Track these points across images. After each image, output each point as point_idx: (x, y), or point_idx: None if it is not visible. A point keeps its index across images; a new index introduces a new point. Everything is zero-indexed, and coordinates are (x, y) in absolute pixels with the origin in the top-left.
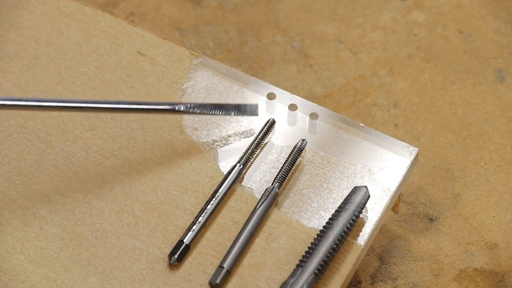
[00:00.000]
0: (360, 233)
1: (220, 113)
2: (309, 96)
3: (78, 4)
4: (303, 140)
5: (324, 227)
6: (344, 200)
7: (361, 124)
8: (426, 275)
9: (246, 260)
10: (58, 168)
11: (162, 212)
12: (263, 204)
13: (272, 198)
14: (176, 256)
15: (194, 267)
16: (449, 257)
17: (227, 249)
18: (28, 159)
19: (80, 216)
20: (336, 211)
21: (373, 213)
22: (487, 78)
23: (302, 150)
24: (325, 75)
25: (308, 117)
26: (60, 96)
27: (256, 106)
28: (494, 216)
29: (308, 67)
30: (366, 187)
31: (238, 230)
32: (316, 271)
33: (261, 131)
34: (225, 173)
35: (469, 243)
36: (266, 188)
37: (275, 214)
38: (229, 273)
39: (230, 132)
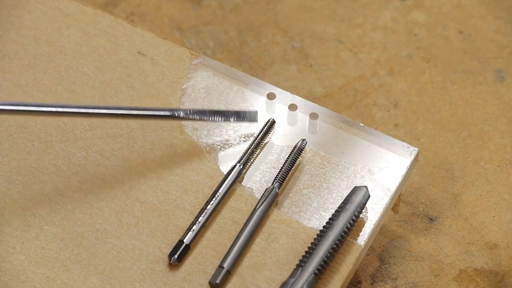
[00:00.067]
0: (360, 233)
1: (220, 119)
2: (309, 96)
3: (78, 4)
4: (303, 140)
5: (324, 227)
6: (344, 200)
7: (361, 124)
8: (426, 275)
9: (246, 260)
10: (58, 168)
11: (162, 212)
12: (263, 204)
13: (272, 198)
14: (176, 256)
15: (194, 267)
16: (449, 257)
17: (227, 249)
18: (28, 159)
19: (80, 216)
20: (336, 211)
21: (373, 213)
22: (487, 78)
23: (302, 150)
24: (325, 75)
25: (308, 117)
26: (60, 96)
27: (255, 113)
28: (494, 216)
29: (308, 67)
30: (366, 187)
31: (238, 230)
32: (316, 271)
33: (261, 131)
34: (225, 173)
35: (469, 243)
36: (266, 188)
37: (275, 214)
38: (229, 273)
39: (230, 132)
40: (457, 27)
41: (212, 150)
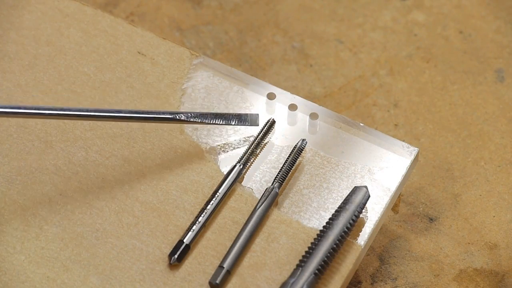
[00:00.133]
0: (360, 233)
1: (221, 122)
2: (309, 96)
3: (78, 4)
4: (303, 140)
5: (324, 227)
6: (344, 200)
7: (361, 124)
8: (426, 275)
9: (246, 260)
10: (58, 168)
11: (162, 212)
12: (263, 204)
13: (272, 198)
14: (176, 256)
15: (194, 267)
16: (449, 257)
17: (227, 249)
18: (28, 159)
19: (80, 216)
20: (336, 211)
21: (373, 213)
22: (487, 78)
23: (302, 150)
24: (325, 75)
25: (308, 117)
26: (60, 96)
27: (256, 116)
28: (494, 216)
29: (308, 67)
30: (366, 187)
31: (238, 230)
32: (316, 271)
33: (261, 131)
34: (225, 173)
35: (469, 243)
36: (266, 188)
37: (275, 214)
38: (229, 273)
39: (230, 132)
40: (457, 27)
41: (212, 150)
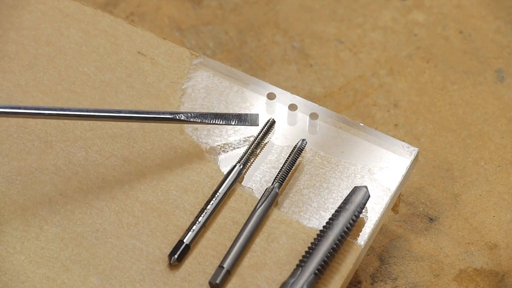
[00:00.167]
0: (360, 233)
1: (221, 122)
2: (309, 96)
3: (78, 4)
4: (303, 140)
5: (324, 227)
6: (344, 200)
7: (361, 124)
8: (426, 275)
9: (246, 260)
10: (58, 168)
11: (162, 212)
12: (263, 204)
13: (272, 198)
14: (176, 256)
15: (194, 267)
16: (449, 257)
17: (227, 249)
18: (28, 159)
19: (80, 216)
20: (336, 211)
21: (373, 213)
22: (487, 78)
23: (302, 150)
24: (325, 75)
25: (308, 117)
26: (60, 96)
27: (256, 116)
28: (494, 216)
29: (308, 67)
30: (366, 187)
31: (238, 230)
32: (316, 271)
33: (261, 131)
34: (225, 173)
35: (469, 243)
36: (266, 188)
37: (275, 214)
38: (229, 273)
39: (230, 132)
40: (457, 27)
41: (212, 150)
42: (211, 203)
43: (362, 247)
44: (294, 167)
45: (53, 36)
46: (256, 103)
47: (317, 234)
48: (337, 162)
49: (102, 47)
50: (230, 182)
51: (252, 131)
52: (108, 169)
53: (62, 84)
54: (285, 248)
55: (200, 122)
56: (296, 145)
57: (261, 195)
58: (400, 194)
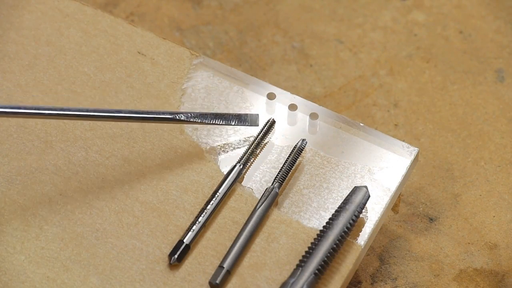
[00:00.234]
0: (360, 233)
1: (221, 122)
2: (309, 96)
3: (78, 4)
4: (303, 140)
5: (324, 227)
6: (344, 200)
7: (361, 124)
8: (426, 275)
9: (246, 260)
10: (58, 168)
11: (162, 212)
12: (263, 204)
13: (272, 198)
14: (176, 256)
15: (194, 267)
16: (449, 257)
17: (227, 249)
18: (28, 159)
19: (80, 216)
20: (336, 211)
21: (373, 213)
22: (487, 78)
23: (302, 150)
24: (325, 75)
25: (308, 117)
26: (60, 96)
27: (256, 116)
28: (494, 216)
29: (308, 67)
30: (366, 187)
31: (238, 230)
32: (316, 271)
33: (261, 131)
34: (225, 173)
35: (469, 243)
36: (266, 188)
37: (275, 214)
38: (229, 273)
39: (230, 132)
40: (457, 27)
41: (212, 150)
42: (211, 203)
43: (362, 247)
44: (294, 167)
45: (53, 36)
46: (256, 103)
47: (317, 234)
48: (337, 162)
49: (102, 47)
50: (230, 182)
51: (252, 131)
52: (108, 169)
53: (62, 84)
54: (285, 248)
55: (200, 122)
56: (296, 145)
57: (261, 195)
58: (400, 194)
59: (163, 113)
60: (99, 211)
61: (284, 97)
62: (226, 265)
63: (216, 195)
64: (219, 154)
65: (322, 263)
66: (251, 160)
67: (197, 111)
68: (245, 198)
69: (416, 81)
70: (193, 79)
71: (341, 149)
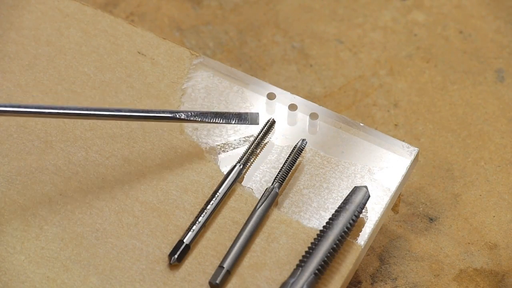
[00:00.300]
0: (360, 233)
1: (221, 121)
2: (309, 96)
3: (78, 4)
4: (303, 140)
5: (324, 227)
6: (344, 200)
7: (361, 124)
8: (426, 275)
9: (246, 260)
10: (58, 168)
11: (162, 212)
12: (263, 204)
13: (272, 198)
14: (176, 256)
15: (194, 267)
16: (449, 257)
17: (227, 249)
18: (28, 159)
19: (80, 216)
20: (336, 211)
21: (373, 213)
22: (487, 78)
23: (302, 150)
24: (325, 75)
25: (308, 117)
26: (60, 96)
27: (257, 114)
28: (494, 216)
29: (308, 67)
30: (366, 187)
31: (238, 230)
32: (316, 271)
33: (261, 131)
34: (225, 173)
35: (469, 243)
36: (266, 188)
37: (275, 214)
38: (229, 273)
39: (230, 132)
40: (457, 27)
41: (212, 150)
42: (211, 203)
43: (362, 247)
44: (294, 167)
45: (53, 36)
46: (256, 103)
47: (317, 234)
48: (337, 162)
49: (102, 47)
50: (230, 182)
51: (252, 131)
52: (108, 169)
53: (62, 84)
54: (285, 248)
55: (200, 121)
56: (296, 145)
57: (261, 195)
58: (400, 194)
59: (163, 112)
60: (99, 211)
61: (284, 97)
62: (226, 265)
63: (216, 195)
64: (219, 154)
65: (322, 263)
66: (251, 160)
67: (197, 110)
68: (245, 198)
69: (416, 81)
70: (193, 79)
71: (341, 149)
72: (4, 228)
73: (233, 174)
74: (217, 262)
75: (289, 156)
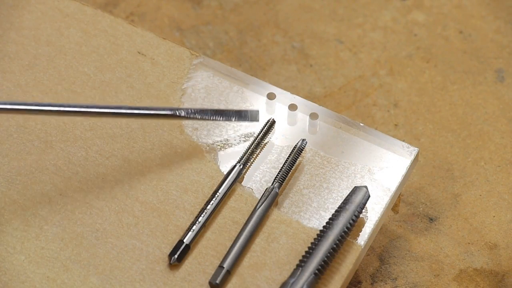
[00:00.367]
0: (360, 233)
1: (221, 118)
2: (309, 96)
3: (78, 4)
4: (303, 140)
5: (324, 227)
6: (344, 200)
7: (361, 124)
8: (426, 275)
9: (246, 260)
10: (58, 168)
11: (162, 212)
12: (263, 204)
13: (272, 198)
14: (176, 256)
15: (194, 267)
16: (449, 257)
17: (227, 249)
18: (28, 159)
19: (80, 216)
20: (336, 211)
21: (373, 213)
22: (487, 78)
23: (302, 150)
24: (325, 75)
25: (308, 117)
26: (60, 96)
27: (257, 112)
28: (494, 216)
29: (308, 67)
30: (366, 187)
31: (238, 230)
32: (316, 271)
33: (261, 131)
34: (225, 173)
35: (469, 243)
36: (266, 188)
37: (275, 214)
38: (229, 273)
39: (230, 132)
40: (457, 27)
41: (212, 150)
42: (211, 203)
43: (362, 247)
44: (294, 167)
45: (53, 36)
46: (256, 103)
47: (317, 234)
48: (337, 162)
49: (102, 47)
50: (230, 182)
51: (252, 129)
52: (108, 169)
53: (62, 84)
54: (285, 248)
55: (200, 118)
56: (296, 145)
57: (261, 195)
58: (400, 194)
59: (164, 109)
60: (99, 211)
61: (284, 97)
62: (226, 265)
63: (216, 195)
64: (219, 154)
65: (322, 263)
66: (251, 160)
67: (197, 107)
68: (245, 198)
69: (416, 81)
70: (193, 79)
71: (341, 149)
72: (4, 228)
73: (233, 174)
74: (217, 262)
75: (289, 156)
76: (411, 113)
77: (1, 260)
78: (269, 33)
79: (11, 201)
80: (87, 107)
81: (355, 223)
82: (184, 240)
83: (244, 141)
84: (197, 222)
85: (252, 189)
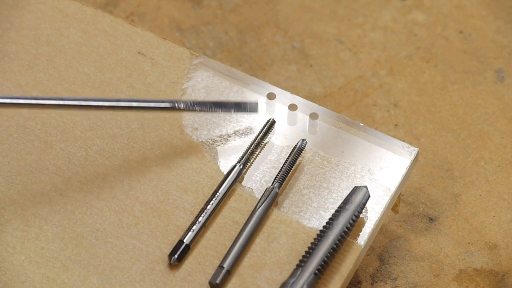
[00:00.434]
0: (360, 233)
1: (220, 110)
2: (309, 96)
3: (78, 4)
4: (303, 140)
5: (324, 227)
6: (344, 200)
7: (361, 124)
8: (426, 275)
9: (246, 260)
10: (58, 168)
11: (162, 212)
12: (263, 204)
13: (272, 198)
14: (176, 256)
15: (194, 267)
16: (449, 257)
17: (227, 249)
18: (28, 159)
19: (80, 216)
20: (336, 211)
21: (373, 213)
22: (487, 78)
23: (302, 150)
24: (325, 75)
25: (308, 117)
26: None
27: (256, 103)
28: (494, 216)
29: (308, 67)
30: (366, 187)
31: (238, 230)
32: (316, 271)
33: (261, 131)
34: (225, 173)
35: (469, 243)
36: (266, 188)
37: (275, 214)
38: (229, 273)
39: (230, 132)
40: (457, 27)
41: (212, 150)
42: (211, 203)
43: (362, 247)
44: (294, 167)
45: (53, 36)
46: None
47: (317, 234)
48: (337, 162)
49: (102, 47)
50: (230, 182)
51: (252, 130)
52: (108, 169)
53: (62, 84)
54: (285, 248)
55: (199, 110)
56: (296, 145)
57: (261, 195)
58: (400, 194)
59: (163, 102)
60: (99, 211)
61: (284, 97)
62: (226, 265)
63: (216, 195)
64: (219, 154)
65: (322, 263)
66: (251, 160)
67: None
68: (245, 198)
69: (416, 81)
70: (193, 79)
71: (341, 149)
72: (4, 228)
73: (233, 174)
74: (217, 262)
75: (289, 156)
76: (411, 113)
77: (1, 260)
78: (269, 33)
79: (11, 201)
80: (85, 100)
81: (355, 223)
82: (184, 240)
83: (244, 141)
84: (197, 222)
85: (252, 189)
